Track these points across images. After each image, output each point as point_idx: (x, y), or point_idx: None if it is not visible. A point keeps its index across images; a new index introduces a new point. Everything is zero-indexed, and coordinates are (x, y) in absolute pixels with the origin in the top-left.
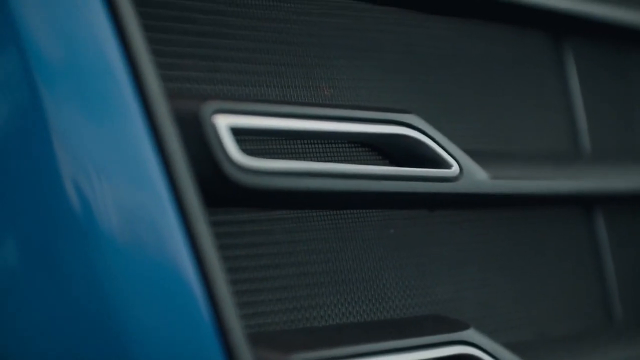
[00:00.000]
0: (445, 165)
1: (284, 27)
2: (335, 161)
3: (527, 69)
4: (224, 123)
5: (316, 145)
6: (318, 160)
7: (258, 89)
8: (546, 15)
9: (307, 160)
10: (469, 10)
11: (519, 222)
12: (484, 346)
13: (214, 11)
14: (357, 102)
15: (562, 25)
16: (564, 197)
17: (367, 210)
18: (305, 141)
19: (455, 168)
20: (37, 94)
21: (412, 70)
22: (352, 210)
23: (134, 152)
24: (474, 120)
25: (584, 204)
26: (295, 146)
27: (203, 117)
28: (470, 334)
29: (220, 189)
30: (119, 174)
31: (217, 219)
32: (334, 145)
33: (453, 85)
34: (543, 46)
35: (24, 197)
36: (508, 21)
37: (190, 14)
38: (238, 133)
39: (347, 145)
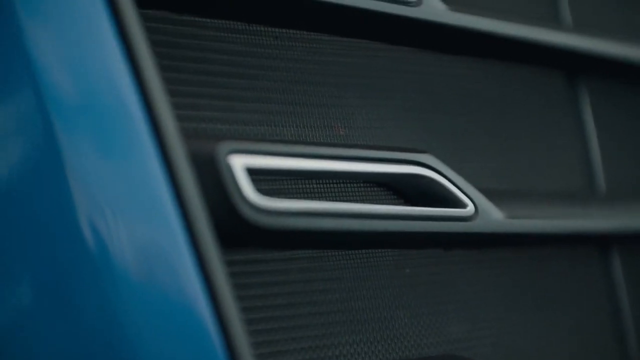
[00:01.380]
0: (460, 204)
1: (299, 67)
2: (350, 201)
3: (542, 108)
4: (239, 163)
5: (331, 185)
6: (333, 200)
7: (273, 128)
8: (561, 54)
9: (323, 200)
10: (483, 50)
11: (534, 262)
12: None
13: (229, 51)
14: (372, 141)
15: (577, 64)
16: (580, 236)
17: (382, 250)
18: (321, 181)
19: (470, 208)
20: (53, 134)
21: (427, 109)
22: (367, 250)
23: (150, 192)
24: (489, 160)
25: (599, 243)
26: (311, 186)
27: (218, 157)
28: None
29: (235, 229)
30: (135, 214)
31: (232, 258)
32: (349, 185)
33: (468, 125)
34: (558, 85)
35: (39, 236)
36: (522, 60)
37: (205, 54)
38: (253, 173)
39: (362, 185)
